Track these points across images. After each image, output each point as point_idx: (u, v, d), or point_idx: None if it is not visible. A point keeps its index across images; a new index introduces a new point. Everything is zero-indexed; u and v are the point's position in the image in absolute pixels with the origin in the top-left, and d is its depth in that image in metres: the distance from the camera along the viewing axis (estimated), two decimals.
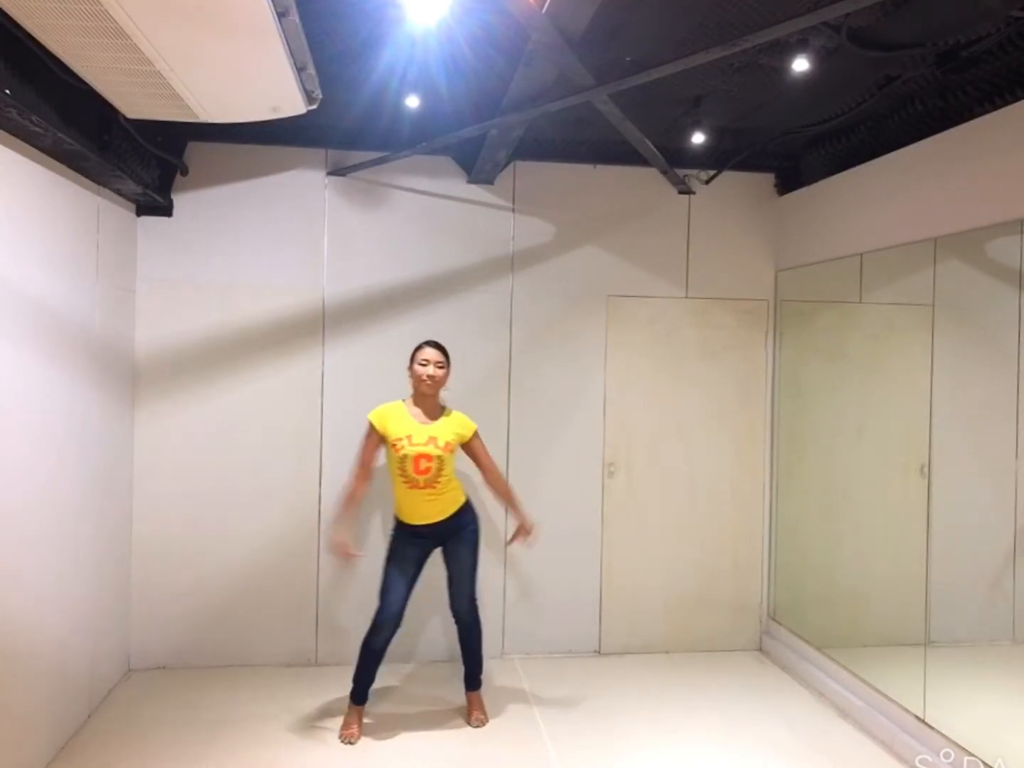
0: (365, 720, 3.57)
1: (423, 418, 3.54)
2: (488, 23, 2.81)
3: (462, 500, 3.62)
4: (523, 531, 3.69)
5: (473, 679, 3.71)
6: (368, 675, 3.54)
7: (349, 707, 3.55)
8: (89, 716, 3.60)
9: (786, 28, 2.56)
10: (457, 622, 3.70)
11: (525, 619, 4.49)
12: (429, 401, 3.57)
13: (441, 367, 3.55)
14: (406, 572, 3.52)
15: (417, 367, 3.55)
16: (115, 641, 3.96)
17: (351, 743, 3.43)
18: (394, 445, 3.48)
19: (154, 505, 4.16)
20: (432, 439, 3.48)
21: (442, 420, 3.57)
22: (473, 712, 3.65)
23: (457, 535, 3.59)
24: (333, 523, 3.68)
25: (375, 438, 3.54)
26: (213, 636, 4.23)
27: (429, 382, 3.52)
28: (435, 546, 3.61)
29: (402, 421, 3.52)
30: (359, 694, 3.55)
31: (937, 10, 2.71)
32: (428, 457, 3.45)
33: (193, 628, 4.21)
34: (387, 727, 3.59)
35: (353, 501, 3.57)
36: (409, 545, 3.55)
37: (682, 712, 3.84)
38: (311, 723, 3.62)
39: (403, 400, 3.62)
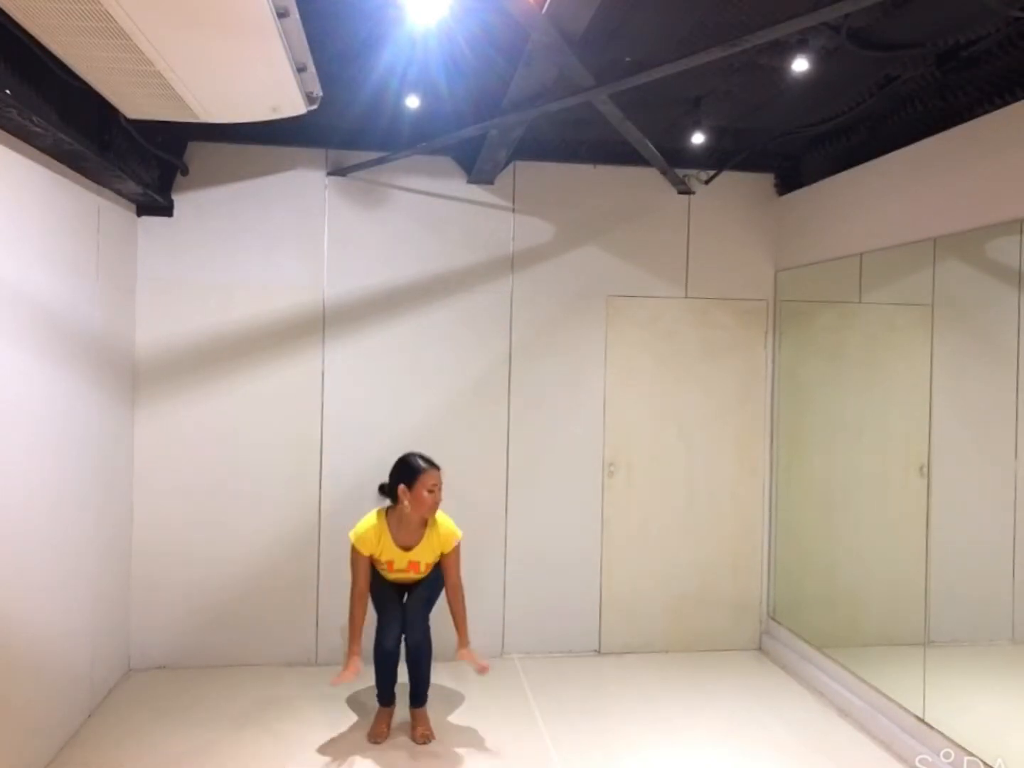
0: (360, 720, 3.58)
1: (405, 541, 3.39)
2: (488, 23, 2.81)
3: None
4: (464, 651, 3.46)
5: (419, 697, 3.54)
6: (385, 677, 3.52)
7: (378, 709, 3.56)
8: (89, 716, 3.60)
9: (786, 28, 2.56)
10: (405, 638, 3.50)
11: (525, 619, 4.49)
12: (415, 522, 3.40)
13: (441, 487, 3.38)
14: (393, 590, 3.53)
15: (426, 494, 3.32)
16: (115, 641, 3.96)
17: (376, 743, 3.44)
18: (375, 561, 3.45)
19: (154, 505, 4.16)
20: (413, 565, 3.42)
21: (425, 539, 3.40)
22: (418, 728, 3.49)
23: None
24: (349, 647, 3.41)
25: (364, 560, 3.40)
26: (213, 636, 4.23)
27: (437, 508, 3.38)
28: None
29: (383, 547, 3.40)
30: (383, 696, 3.54)
31: (937, 10, 2.72)
32: (407, 578, 3.48)
33: (193, 628, 4.21)
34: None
35: (358, 626, 3.42)
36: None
37: (682, 712, 3.84)
38: (311, 723, 3.62)
39: (380, 513, 3.44)
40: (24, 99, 2.58)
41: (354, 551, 3.42)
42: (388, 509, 3.44)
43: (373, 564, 3.47)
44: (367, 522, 3.43)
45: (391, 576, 3.48)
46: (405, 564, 3.42)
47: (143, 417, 4.16)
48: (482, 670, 3.44)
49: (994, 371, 3.66)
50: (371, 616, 3.51)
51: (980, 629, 3.80)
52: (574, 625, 4.54)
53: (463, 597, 3.50)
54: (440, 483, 3.37)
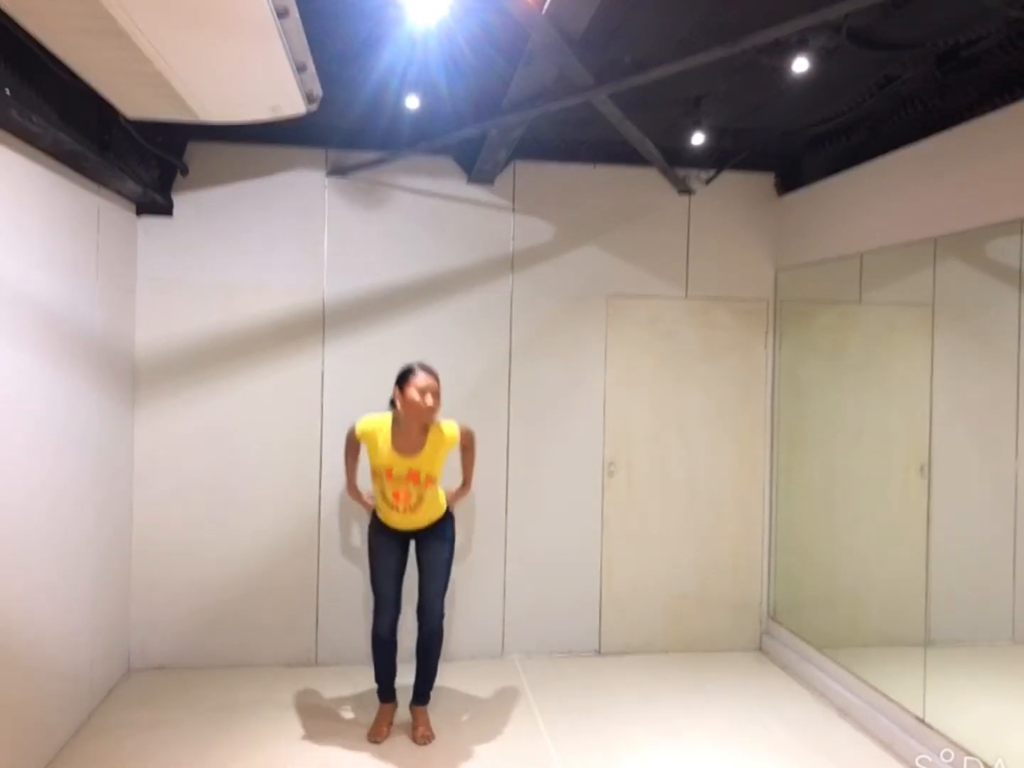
0: (361, 719, 3.58)
1: (404, 446, 3.34)
2: (488, 23, 2.81)
3: (441, 513, 3.51)
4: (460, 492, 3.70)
5: (423, 695, 3.53)
6: (384, 668, 3.52)
7: (378, 706, 3.55)
8: (89, 716, 3.60)
9: (786, 28, 2.56)
10: (420, 626, 3.50)
11: (525, 619, 4.49)
12: (415, 429, 3.37)
13: (437, 393, 3.33)
14: (390, 557, 3.49)
15: (415, 395, 3.28)
16: (115, 641, 3.96)
17: (376, 742, 3.42)
18: (374, 470, 3.41)
19: (154, 505, 4.16)
20: (413, 474, 3.33)
21: (426, 446, 3.35)
22: (419, 728, 3.46)
23: (433, 532, 3.49)
24: (349, 492, 3.75)
25: (356, 445, 3.55)
26: (213, 636, 4.23)
27: (434, 411, 3.33)
28: (412, 537, 3.52)
29: (384, 449, 3.36)
30: (382, 691, 3.54)
31: (937, 10, 2.72)
32: (407, 492, 3.35)
33: (193, 628, 4.21)
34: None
35: (352, 473, 3.68)
36: (387, 534, 3.51)
37: (682, 712, 3.84)
38: (311, 723, 3.62)
39: (391, 415, 3.44)
40: (24, 99, 2.58)
41: (350, 433, 3.54)
42: (395, 417, 3.43)
43: (374, 484, 3.44)
44: (375, 416, 3.45)
45: (389, 487, 3.35)
46: (404, 472, 3.33)
47: (143, 417, 4.16)
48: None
49: (994, 371, 3.67)
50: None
51: (980, 629, 3.80)
52: (574, 625, 4.54)
53: (472, 473, 3.68)
54: (434, 390, 3.32)
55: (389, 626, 3.49)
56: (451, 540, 3.56)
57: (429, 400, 3.29)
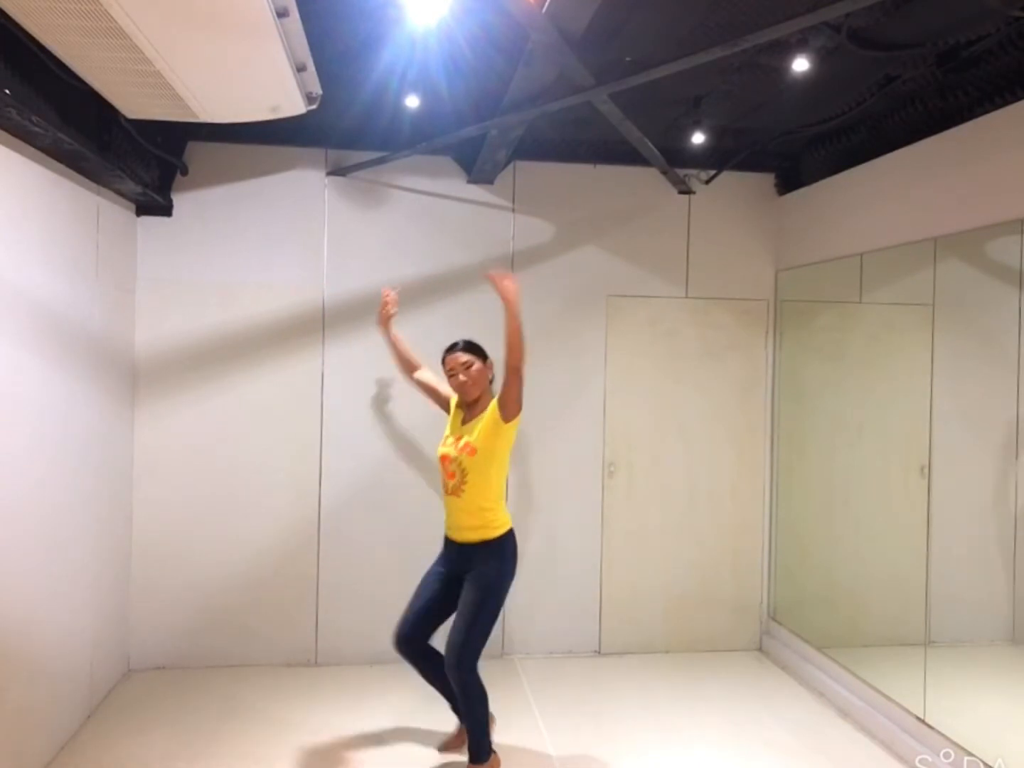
0: (360, 719, 3.58)
1: (465, 417, 3.31)
2: (488, 23, 2.81)
3: (492, 535, 3.15)
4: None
5: (470, 752, 3.14)
6: (436, 688, 3.30)
7: None
8: (89, 716, 3.60)
9: (786, 28, 2.56)
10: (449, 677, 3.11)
11: (525, 619, 4.49)
12: (473, 401, 3.29)
13: (469, 366, 3.23)
14: (427, 587, 3.27)
15: (449, 379, 3.33)
16: (115, 641, 3.96)
17: (439, 750, 3.36)
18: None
19: (154, 505, 4.16)
20: (456, 440, 3.24)
21: (478, 417, 3.22)
22: None
23: (474, 568, 3.14)
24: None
25: (442, 392, 3.52)
26: (213, 636, 4.23)
27: (468, 385, 3.24)
28: (459, 574, 3.19)
29: (452, 417, 3.38)
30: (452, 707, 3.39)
31: (937, 10, 2.72)
32: (448, 458, 3.21)
33: (193, 628, 4.21)
34: (387, 725, 3.59)
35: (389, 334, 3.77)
36: (439, 563, 3.30)
37: (682, 712, 3.84)
38: (311, 723, 3.62)
39: None
40: (24, 99, 2.58)
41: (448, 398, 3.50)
42: None
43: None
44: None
45: (440, 451, 3.27)
46: (455, 438, 3.25)
47: (143, 417, 4.16)
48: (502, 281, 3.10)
49: (995, 371, 3.67)
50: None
51: (980, 629, 3.80)
52: (574, 625, 4.54)
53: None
54: (458, 364, 3.24)
55: (407, 655, 3.25)
56: (488, 583, 3.13)
57: (460, 378, 3.27)
